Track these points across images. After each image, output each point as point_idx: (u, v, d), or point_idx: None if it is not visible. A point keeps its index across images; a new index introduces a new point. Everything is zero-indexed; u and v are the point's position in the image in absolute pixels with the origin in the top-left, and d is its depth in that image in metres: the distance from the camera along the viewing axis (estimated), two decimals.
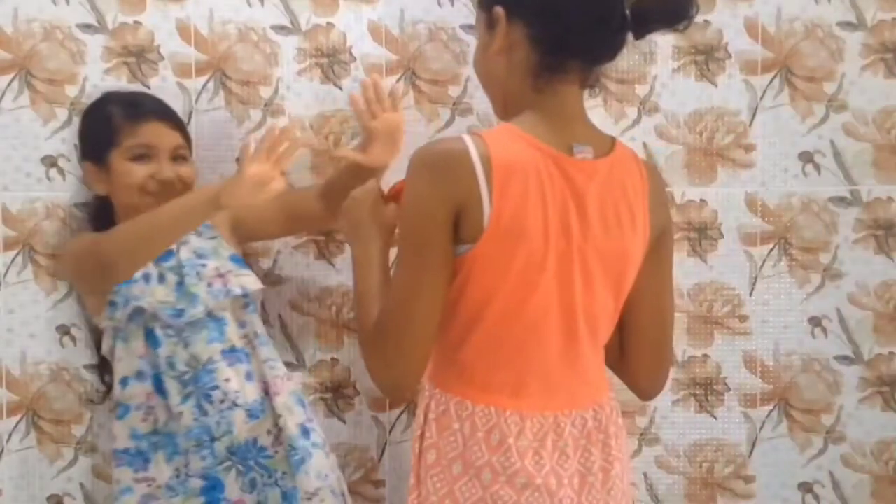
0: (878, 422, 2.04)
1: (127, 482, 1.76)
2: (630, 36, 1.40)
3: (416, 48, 1.97)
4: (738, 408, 2.03)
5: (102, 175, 1.81)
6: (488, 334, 1.39)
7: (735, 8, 2.00)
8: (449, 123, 1.98)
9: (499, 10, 1.40)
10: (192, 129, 1.91)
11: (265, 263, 1.97)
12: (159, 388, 1.75)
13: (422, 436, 1.43)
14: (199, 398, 1.73)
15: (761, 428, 2.04)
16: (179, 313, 1.74)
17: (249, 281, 1.80)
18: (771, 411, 2.04)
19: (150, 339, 1.75)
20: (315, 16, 1.95)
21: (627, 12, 1.38)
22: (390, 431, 1.99)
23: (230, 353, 1.77)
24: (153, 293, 1.73)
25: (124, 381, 1.77)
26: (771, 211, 2.02)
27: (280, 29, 1.95)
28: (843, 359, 2.04)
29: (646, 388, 1.60)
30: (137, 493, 1.75)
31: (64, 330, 1.93)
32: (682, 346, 2.02)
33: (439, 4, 1.97)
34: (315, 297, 1.98)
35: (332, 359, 1.98)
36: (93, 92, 1.91)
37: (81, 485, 1.95)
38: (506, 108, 1.47)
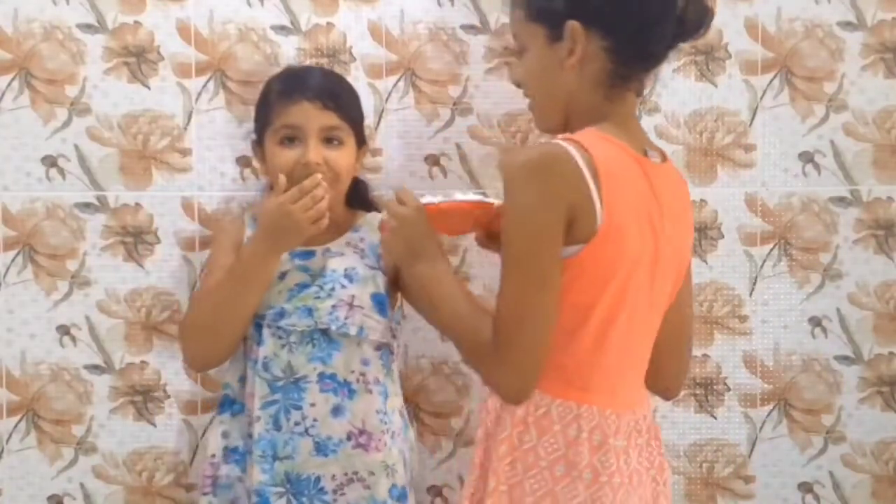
0: (878, 422, 2.04)
1: (231, 479, 1.74)
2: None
3: (416, 48, 1.97)
4: (738, 408, 2.03)
5: (264, 158, 1.76)
6: (592, 337, 1.41)
7: (735, 8, 2.00)
8: (449, 123, 1.98)
9: (574, 24, 1.41)
10: (192, 130, 1.91)
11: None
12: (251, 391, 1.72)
13: (511, 438, 1.43)
14: (279, 410, 1.70)
15: (761, 428, 2.04)
16: (280, 315, 1.70)
17: (375, 329, 1.73)
18: (771, 411, 2.04)
19: (259, 335, 1.72)
20: (315, 16, 1.95)
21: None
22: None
23: (329, 379, 1.70)
24: (267, 291, 1.70)
25: (242, 380, 1.75)
26: (771, 211, 2.02)
27: (280, 29, 1.95)
28: (843, 359, 2.04)
29: (672, 388, 1.65)
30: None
31: (64, 330, 1.93)
32: None
33: (439, 4, 1.97)
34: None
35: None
36: (93, 92, 1.91)
37: (81, 485, 1.95)
38: (567, 121, 1.48)
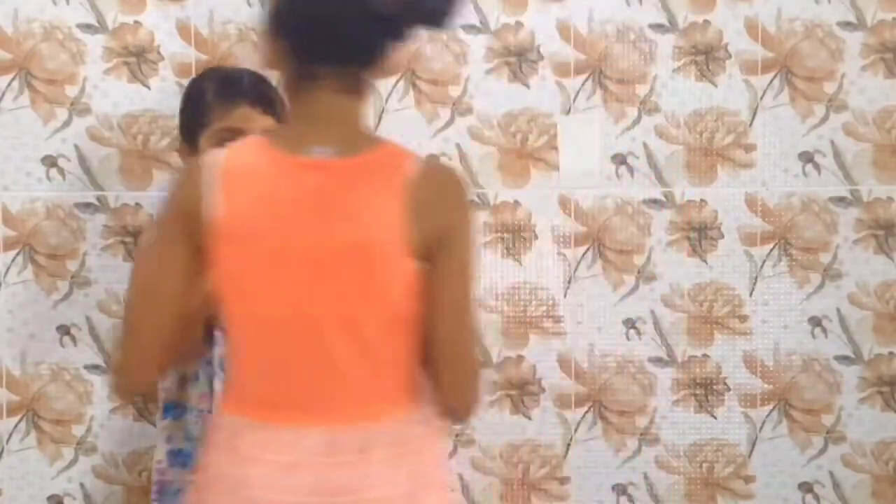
0: (878, 422, 2.04)
1: (179, 483, 1.72)
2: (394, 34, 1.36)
3: (416, 49, 1.97)
4: (738, 408, 2.03)
5: (194, 157, 1.75)
6: (236, 348, 1.39)
7: (735, 8, 2.00)
8: (449, 123, 1.98)
9: (262, 27, 1.38)
10: None
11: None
12: (211, 391, 1.72)
13: None
14: None
15: (761, 428, 2.04)
16: None
17: None
18: (771, 411, 2.04)
19: (209, 338, 1.70)
20: None
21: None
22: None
23: None
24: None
25: (182, 382, 1.74)
26: (771, 211, 2.02)
27: None
28: (843, 359, 2.04)
29: (456, 410, 1.43)
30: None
31: (64, 330, 1.93)
32: (682, 346, 2.02)
33: None
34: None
35: None
36: (93, 92, 1.91)
37: (81, 485, 1.95)
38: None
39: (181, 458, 1.74)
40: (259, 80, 1.80)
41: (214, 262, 1.30)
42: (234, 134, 1.69)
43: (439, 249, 1.33)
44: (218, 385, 1.71)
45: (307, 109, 1.36)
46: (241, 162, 1.33)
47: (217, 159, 1.33)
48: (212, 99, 1.73)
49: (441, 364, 1.35)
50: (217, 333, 1.71)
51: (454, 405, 1.37)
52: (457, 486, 2.00)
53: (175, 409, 1.76)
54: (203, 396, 1.74)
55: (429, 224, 1.32)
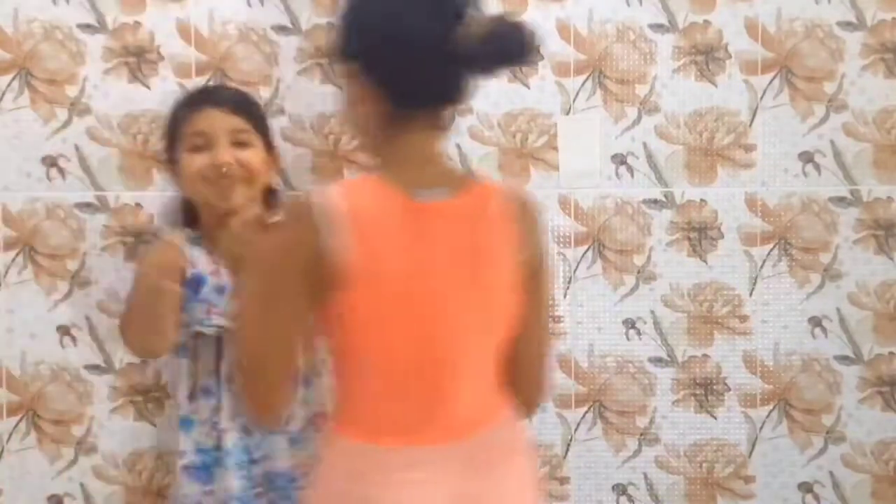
0: (878, 422, 2.04)
1: (196, 496, 1.72)
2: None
3: None
4: (738, 408, 2.03)
5: (177, 172, 1.76)
6: (366, 378, 1.41)
7: (735, 8, 2.00)
8: None
9: (351, 66, 1.39)
10: None
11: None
12: (219, 402, 1.72)
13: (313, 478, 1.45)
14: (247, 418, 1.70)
15: (761, 428, 2.04)
16: None
17: None
18: (771, 411, 2.04)
19: (220, 351, 1.72)
20: (315, 16, 1.95)
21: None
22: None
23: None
24: (227, 309, 1.70)
25: (192, 396, 1.74)
26: (771, 211, 2.02)
27: (280, 29, 1.95)
28: (843, 359, 2.04)
29: (527, 407, 1.60)
30: None
31: (64, 330, 1.93)
32: (682, 346, 2.02)
33: None
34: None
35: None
36: (93, 92, 1.91)
37: (81, 485, 1.95)
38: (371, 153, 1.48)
39: (196, 471, 1.73)
40: (231, 89, 1.84)
41: (343, 303, 1.33)
42: (202, 137, 1.71)
43: (533, 277, 1.45)
44: (227, 401, 1.72)
45: (407, 150, 1.41)
46: (366, 205, 1.36)
47: (332, 201, 1.33)
48: (181, 112, 1.76)
49: (530, 373, 1.50)
50: (226, 347, 1.71)
51: (536, 404, 1.56)
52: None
53: (187, 424, 1.76)
54: (212, 409, 1.74)
55: (528, 255, 1.44)
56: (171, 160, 1.77)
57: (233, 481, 1.70)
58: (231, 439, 1.70)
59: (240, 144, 1.73)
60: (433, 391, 1.39)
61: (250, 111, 1.78)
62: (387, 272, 1.33)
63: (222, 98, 1.78)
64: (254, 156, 1.74)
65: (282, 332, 1.35)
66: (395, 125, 1.39)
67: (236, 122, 1.73)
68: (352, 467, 1.38)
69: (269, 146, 1.80)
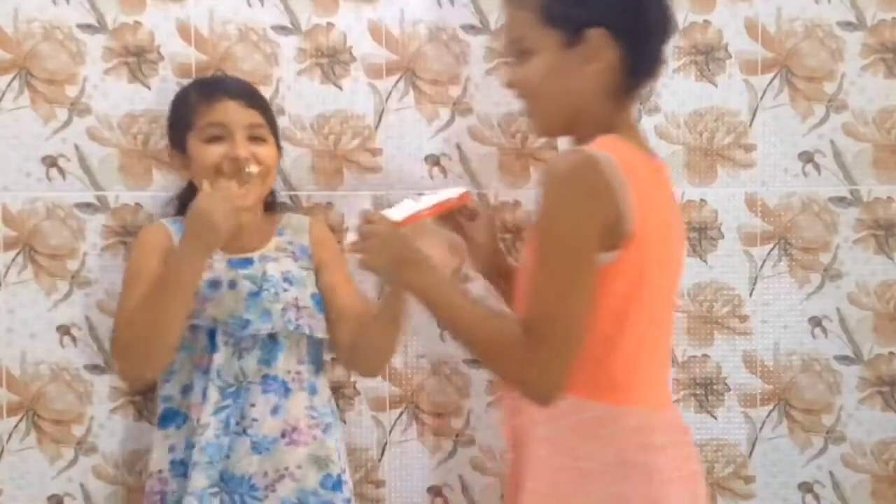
0: (878, 422, 2.04)
1: (180, 492, 1.71)
2: None
3: (416, 48, 1.97)
4: (738, 408, 2.03)
5: (185, 161, 1.76)
6: (631, 341, 1.44)
7: (735, 8, 2.00)
8: (449, 123, 1.98)
9: (601, 32, 1.41)
10: None
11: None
12: (204, 397, 1.71)
13: (553, 440, 1.45)
14: (229, 415, 1.70)
15: (761, 428, 2.04)
16: (245, 325, 1.69)
17: (319, 328, 1.76)
18: (771, 411, 2.04)
19: (211, 344, 1.72)
20: (315, 16, 1.95)
21: None
22: (390, 431, 1.99)
23: (272, 380, 1.72)
24: (221, 302, 1.70)
25: (186, 391, 1.74)
26: (771, 211, 2.02)
27: (280, 29, 1.95)
28: (843, 359, 2.04)
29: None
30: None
31: (64, 330, 1.93)
32: (682, 346, 2.02)
33: (439, 4, 1.97)
34: None
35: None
36: (93, 92, 1.91)
37: (81, 485, 1.94)
38: (570, 127, 1.49)
39: (183, 468, 1.72)
40: (243, 81, 1.83)
41: (621, 266, 1.36)
42: (220, 128, 1.70)
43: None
44: (212, 394, 1.71)
45: (628, 118, 1.50)
46: (632, 161, 1.40)
47: (615, 157, 1.36)
48: (194, 100, 1.75)
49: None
50: (219, 340, 1.71)
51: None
52: (457, 486, 2.00)
53: (178, 418, 1.76)
54: (195, 406, 1.73)
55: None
56: (179, 148, 1.77)
57: (201, 479, 1.68)
58: (208, 435, 1.68)
59: (255, 139, 1.73)
60: (669, 354, 1.55)
61: (264, 106, 1.79)
62: (652, 229, 1.37)
63: (238, 90, 1.77)
64: (269, 153, 1.74)
65: (589, 305, 1.35)
66: (624, 95, 1.46)
67: (254, 116, 1.74)
68: (647, 439, 1.43)
69: (278, 144, 1.80)
